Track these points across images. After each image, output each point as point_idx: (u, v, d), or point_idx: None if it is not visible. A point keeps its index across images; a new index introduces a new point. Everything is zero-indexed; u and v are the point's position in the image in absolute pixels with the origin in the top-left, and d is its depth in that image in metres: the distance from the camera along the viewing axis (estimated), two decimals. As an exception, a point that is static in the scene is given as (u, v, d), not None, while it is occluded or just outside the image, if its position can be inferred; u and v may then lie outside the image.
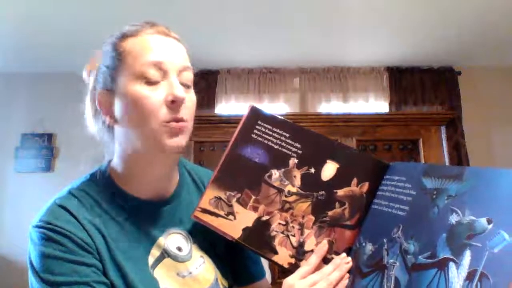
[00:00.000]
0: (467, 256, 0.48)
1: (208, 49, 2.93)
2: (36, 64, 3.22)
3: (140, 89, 0.62)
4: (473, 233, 0.49)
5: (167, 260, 0.67)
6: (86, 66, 0.73)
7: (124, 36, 0.66)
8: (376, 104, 3.24)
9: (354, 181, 0.68)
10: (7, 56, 3.09)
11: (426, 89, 3.22)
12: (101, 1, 2.35)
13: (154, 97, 0.62)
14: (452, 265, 0.49)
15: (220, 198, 0.68)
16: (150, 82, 0.62)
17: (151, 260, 0.65)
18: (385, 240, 0.60)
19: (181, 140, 0.64)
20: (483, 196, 0.51)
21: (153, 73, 0.62)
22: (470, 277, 0.46)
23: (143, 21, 0.68)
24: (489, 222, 0.48)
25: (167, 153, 0.65)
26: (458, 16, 2.56)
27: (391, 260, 0.57)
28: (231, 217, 0.68)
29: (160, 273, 0.65)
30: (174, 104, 0.63)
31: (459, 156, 3.08)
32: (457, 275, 0.48)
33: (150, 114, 0.61)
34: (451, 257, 0.49)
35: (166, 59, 0.63)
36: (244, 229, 0.67)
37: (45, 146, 3.28)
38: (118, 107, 0.65)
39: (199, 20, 2.49)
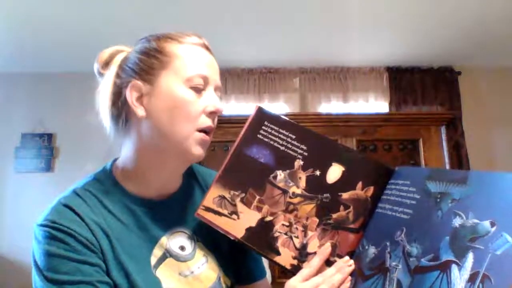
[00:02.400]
0: (469, 259, 0.48)
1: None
2: (36, 64, 3.21)
3: (187, 93, 0.66)
4: (476, 236, 0.49)
5: (169, 260, 0.67)
6: (104, 54, 0.71)
7: (168, 38, 0.69)
8: (376, 104, 3.24)
9: (359, 185, 0.67)
10: (7, 56, 3.08)
11: (426, 89, 3.23)
12: (101, 1, 2.35)
13: (198, 104, 0.66)
14: (454, 267, 0.49)
15: (224, 197, 0.68)
16: (196, 90, 0.66)
17: (153, 260, 0.66)
18: (388, 243, 0.60)
19: (203, 152, 0.68)
20: (486, 199, 0.51)
21: (200, 83, 0.67)
22: (472, 278, 0.46)
23: (182, 31, 0.71)
24: (492, 225, 0.48)
25: (188, 159, 0.69)
26: (458, 16, 2.57)
27: (394, 263, 0.57)
28: (234, 216, 0.67)
29: (162, 273, 0.65)
30: (212, 115, 0.68)
31: (459, 156, 3.08)
32: (459, 276, 0.48)
33: (190, 119, 0.65)
34: (454, 259, 0.49)
35: (211, 75, 0.68)
36: (247, 229, 0.67)
37: (45, 146, 3.28)
38: (154, 103, 0.66)
39: (199, 20, 2.49)
